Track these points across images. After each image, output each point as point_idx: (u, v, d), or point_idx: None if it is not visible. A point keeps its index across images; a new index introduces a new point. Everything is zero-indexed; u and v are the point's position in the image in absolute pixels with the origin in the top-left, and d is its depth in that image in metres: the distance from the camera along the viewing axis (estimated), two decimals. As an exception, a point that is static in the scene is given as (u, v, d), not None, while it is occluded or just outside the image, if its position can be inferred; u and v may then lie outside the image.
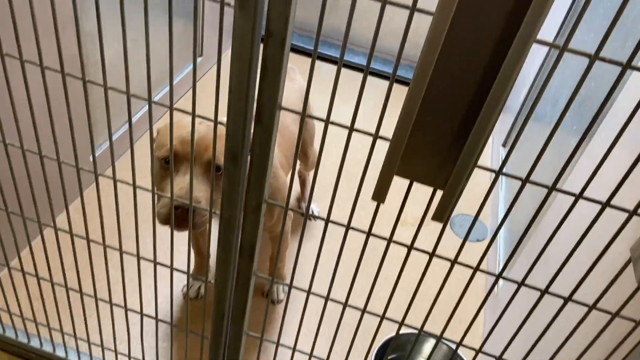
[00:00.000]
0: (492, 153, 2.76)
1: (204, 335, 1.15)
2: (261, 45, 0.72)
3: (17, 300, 1.26)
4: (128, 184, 0.93)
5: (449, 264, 2.05)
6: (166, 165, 1.19)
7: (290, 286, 0.98)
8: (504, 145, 2.62)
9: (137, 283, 1.70)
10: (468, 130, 0.66)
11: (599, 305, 1.08)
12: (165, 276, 1.75)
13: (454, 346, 1.46)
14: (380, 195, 0.72)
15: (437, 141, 0.68)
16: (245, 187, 0.87)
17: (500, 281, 1.86)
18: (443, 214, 0.71)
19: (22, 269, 1.19)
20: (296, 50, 3.25)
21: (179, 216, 1.14)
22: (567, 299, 0.82)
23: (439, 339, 0.94)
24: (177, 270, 1.05)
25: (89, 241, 1.05)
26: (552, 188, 0.72)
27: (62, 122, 1.69)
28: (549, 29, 2.43)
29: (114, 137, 2.10)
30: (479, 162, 2.78)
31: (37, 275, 1.18)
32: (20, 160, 1.52)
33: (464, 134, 0.66)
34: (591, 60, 0.61)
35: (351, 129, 0.74)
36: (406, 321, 1.81)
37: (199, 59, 2.79)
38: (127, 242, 1.85)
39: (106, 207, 1.93)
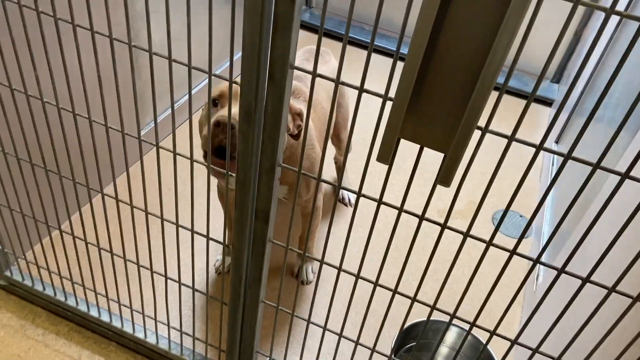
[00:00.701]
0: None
1: (223, 301, 1.17)
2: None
3: (56, 261, 1.33)
4: (169, 150, 0.96)
5: (489, 261, 1.99)
6: (214, 107, 1.24)
7: (322, 263, 0.98)
8: (557, 142, 2.51)
9: (162, 251, 1.75)
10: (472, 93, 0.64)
11: None
12: (197, 247, 1.79)
13: (480, 337, 1.42)
14: (384, 156, 0.71)
15: (442, 105, 0.66)
16: (260, 148, 0.88)
17: (540, 277, 1.78)
18: (448, 177, 0.69)
19: (61, 236, 1.25)
20: (336, 37, 3.24)
21: (220, 142, 1.14)
22: (611, 290, 0.77)
23: (449, 316, 0.91)
24: (197, 233, 1.07)
25: (132, 207, 1.09)
26: (597, 166, 0.67)
27: (111, 95, 1.77)
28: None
29: (159, 119, 2.18)
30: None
31: (67, 234, 1.24)
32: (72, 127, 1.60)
33: (468, 97, 0.64)
34: None
35: (361, 89, 0.74)
36: (437, 309, 1.77)
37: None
38: (166, 215, 1.91)
39: (149, 180, 2.00)
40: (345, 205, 2.10)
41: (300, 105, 1.41)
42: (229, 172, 1.13)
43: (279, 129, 0.84)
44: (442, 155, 0.70)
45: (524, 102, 3.00)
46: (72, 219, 1.83)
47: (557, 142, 2.51)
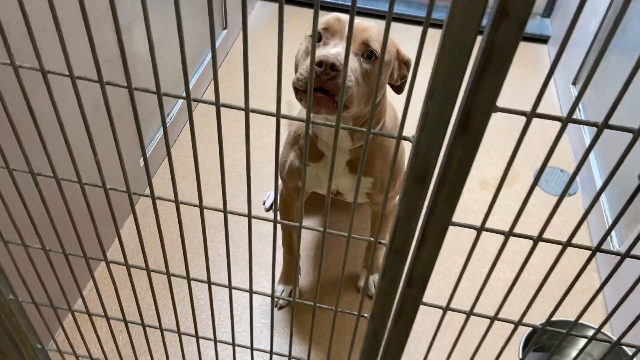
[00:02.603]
0: (558, 92, 2.53)
1: (347, 370, 0.98)
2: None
3: (85, 343, 1.10)
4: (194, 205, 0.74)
5: (556, 248, 1.87)
6: (318, 42, 1.04)
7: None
8: (574, 83, 2.38)
9: (221, 314, 1.53)
10: None
11: None
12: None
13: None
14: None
15: None
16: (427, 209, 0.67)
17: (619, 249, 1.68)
18: None
19: (88, 311, 1.01)
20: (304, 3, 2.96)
21: (322, 84, 0.97)
22: None
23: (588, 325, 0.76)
24: (258, 293, 0.87)
25: (149, 272, 0.87)
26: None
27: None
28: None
29: (152, 146, 1.89)
30: (545, 109, 2.55)
31: (89, 315, 1.01)
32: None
33: None
34: None
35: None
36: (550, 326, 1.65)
37: (223, 32, 2.54)
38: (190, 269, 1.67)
39: (152, 233, 1.75)
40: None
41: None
42: (324, 108, 0.98)
43: (463, 186, 0.63)
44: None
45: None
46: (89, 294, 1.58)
47: (574, 83, 2.38)
